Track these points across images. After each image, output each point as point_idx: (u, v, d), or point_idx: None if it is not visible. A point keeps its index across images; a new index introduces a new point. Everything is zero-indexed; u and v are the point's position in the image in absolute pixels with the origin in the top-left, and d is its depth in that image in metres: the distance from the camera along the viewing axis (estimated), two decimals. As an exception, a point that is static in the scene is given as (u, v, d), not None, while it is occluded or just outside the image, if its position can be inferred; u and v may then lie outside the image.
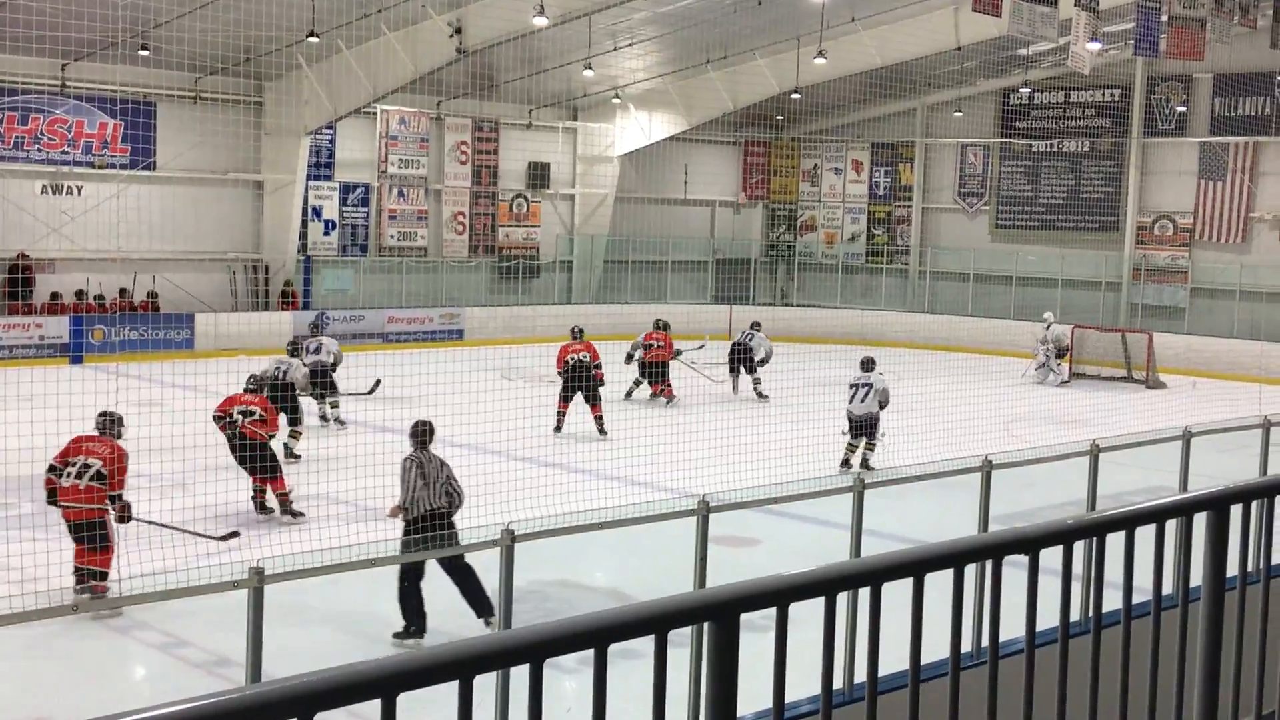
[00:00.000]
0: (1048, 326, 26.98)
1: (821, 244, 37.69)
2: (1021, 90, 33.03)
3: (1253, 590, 3.53)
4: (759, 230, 38.27)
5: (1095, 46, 23.53)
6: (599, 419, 18.24)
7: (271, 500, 13.49)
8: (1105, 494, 10.65)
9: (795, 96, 31.17)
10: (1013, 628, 2.88)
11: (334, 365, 18.56)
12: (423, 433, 10.42)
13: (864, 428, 16.43)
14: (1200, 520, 3.40)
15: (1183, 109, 31.27)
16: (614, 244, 34.29)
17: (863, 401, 16.51)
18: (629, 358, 21.45)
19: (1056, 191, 33.77)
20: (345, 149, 29.82)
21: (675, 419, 18.88)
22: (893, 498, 11.48)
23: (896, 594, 2.50)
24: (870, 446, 16.52)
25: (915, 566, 2.59)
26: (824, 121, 36.72)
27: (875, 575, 2.49)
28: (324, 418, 18.28)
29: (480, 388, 16.98)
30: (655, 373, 21.45)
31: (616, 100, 32.61)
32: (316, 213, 29.47)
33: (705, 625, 2.22)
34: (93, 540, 10.23)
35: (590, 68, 29.05)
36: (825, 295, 35.78)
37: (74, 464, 10.37)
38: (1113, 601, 3.30)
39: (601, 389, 18.51)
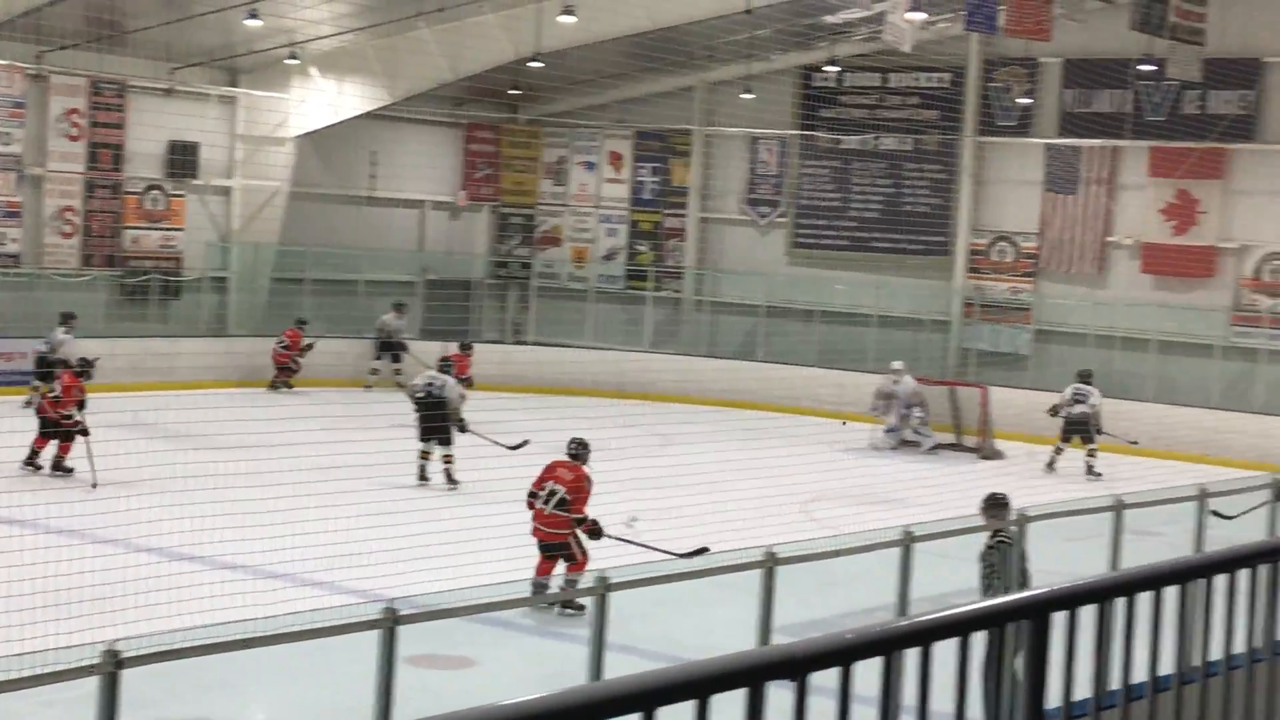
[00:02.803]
0: (896, 381, 27.86)
1: (568, 262, 38.03)
2: (827, 69, 34.12)
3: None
4: (484, 242, 38.37)
5: (918, 17, 24.66)
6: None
7: None
8: (924, 595, 11.10)
9: (536, 66, 31.38)
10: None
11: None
12: None
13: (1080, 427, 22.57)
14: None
15: (1027, 100, 32.91)
16: (286, 256, 33.83)
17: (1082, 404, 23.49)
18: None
19: (871, 201, 34.97)
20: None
21: (374, 498, 18.73)
22: (651, 603, 11.67)
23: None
24: (1092, 453, 23.75)
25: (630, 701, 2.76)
26: (574, 100, 37.15)
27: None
28: None
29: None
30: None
31: (293, 61, 32.28)
32: None
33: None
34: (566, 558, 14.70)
35: (256, 15, 28.71)
36: (571, 331, 36.09)
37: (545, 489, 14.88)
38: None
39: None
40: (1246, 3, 30.05)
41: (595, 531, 14.87)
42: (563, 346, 34.53)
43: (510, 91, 36.32)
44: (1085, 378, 26.62)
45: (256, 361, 30.48)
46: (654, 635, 13.31)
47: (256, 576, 14.90)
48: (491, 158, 38.16)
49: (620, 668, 3.14)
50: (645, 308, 36.82)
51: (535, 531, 14.91)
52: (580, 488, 14.89)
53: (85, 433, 20.27)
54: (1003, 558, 11.13)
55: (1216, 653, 4.33)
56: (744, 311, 35.53)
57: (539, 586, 14.44)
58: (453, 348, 28.04)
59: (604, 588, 8.53)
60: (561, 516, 14.75)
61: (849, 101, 35.07)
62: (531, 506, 14.91)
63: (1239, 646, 4.35)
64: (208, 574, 14.90)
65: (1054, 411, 26.16)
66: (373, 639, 7.63)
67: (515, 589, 9.30)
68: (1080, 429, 25.86)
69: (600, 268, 37.67)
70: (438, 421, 21.48)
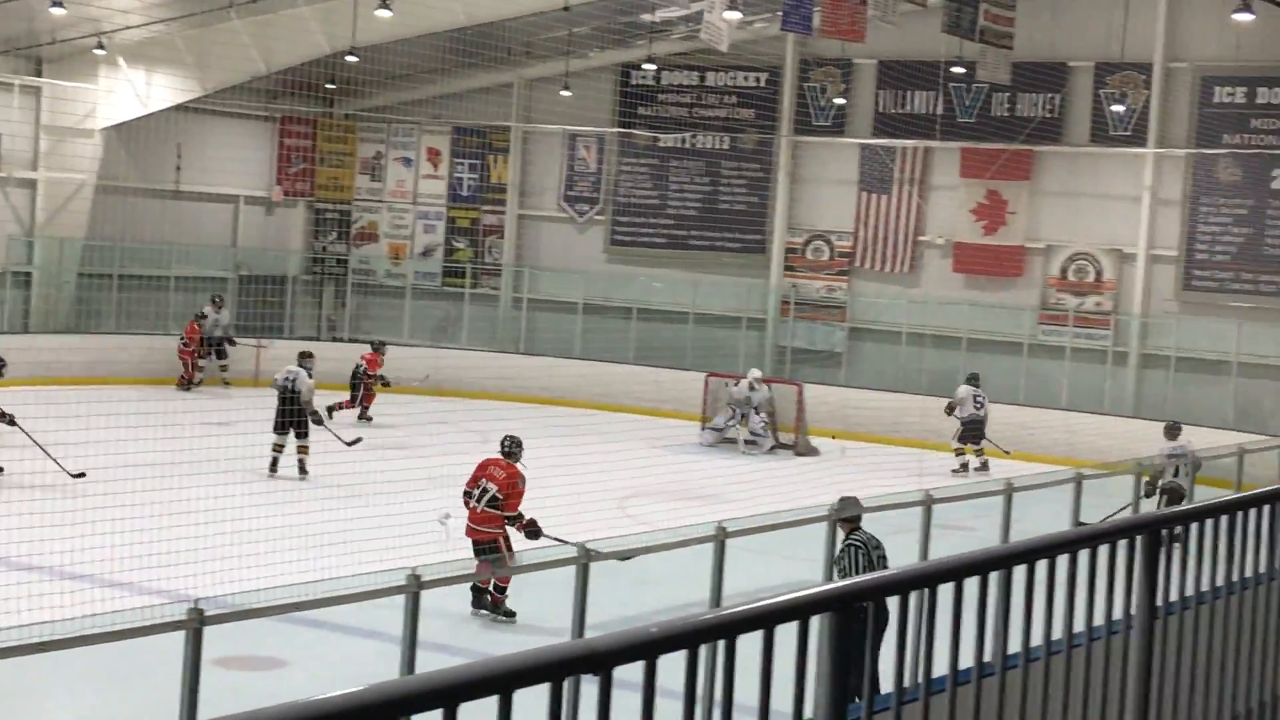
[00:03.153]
0: (754, 388, 27.99)
1: (385, 259, 37.76)
2: (645, 68, 34.28)
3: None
4: (300, 238, 37.93)
5: (734, 16, 24.86)
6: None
7: None
8: (738, 590, 11.18)
9: (352, 60, 31.11)
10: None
11: None
12: None
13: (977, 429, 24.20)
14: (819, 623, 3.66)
15: (842, 100, 33.39)
16: (94, 251, 33.07)
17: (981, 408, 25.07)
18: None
19: (689, 199, 35.23)
20: None
21: (180, 496, 18.38)
22: (468, 602, 11.62)
23: None
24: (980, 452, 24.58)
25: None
26: (391, 95, 36.89)
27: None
28: None
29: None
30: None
31: (100, 51, 31.58)
32: None
33: None
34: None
35: (61, 3, 28.04)
36: (389, 328, 35.81)
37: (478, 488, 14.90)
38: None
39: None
40: (1053, 7, 30.81)
41: (533, 531, 14.89)
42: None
43: (326, 86, 35.93)
44: (975, 381, 27.06)
45: (63, 358, 29.68)
46: (468, 634, 13.27)
47: (55, 578, 14.54)
48: (307, 152, 37.71)
49: (434, 667, 3.10)
50: (463, 305, 36.65)
51: (469, 531, 14.92)
52: (513, 486, 14.95)
53: None
54: (851, 560, 11.28)
55: (1015, 646, 4.40)
56: (562, 309, 35.55)
57: (477, 591, 14.56)
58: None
59: (417, 585, 8.45)
60: (493, 514, 14.81)
61: (667, 100, 35.30)
62: (467, 505, 14.98)
63: (1036, 640, 4.43)
64: (1, 575, 14.52)
65: (950, 410, 26.59)
66: (178, 640, 7.46)
67: (326, 587, 9.18)
68: (977, 432, 26.45)
69: (418, 265, 37.45)
70: (294, 415, 22.01)
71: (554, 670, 3.00)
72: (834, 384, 31.48)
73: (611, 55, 35.00)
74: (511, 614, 14.52)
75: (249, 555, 13.52)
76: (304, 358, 23.07)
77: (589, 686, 3.17)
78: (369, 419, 27.64)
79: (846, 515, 11.67)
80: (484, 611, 14.62)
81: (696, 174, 35.22)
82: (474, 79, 35.86)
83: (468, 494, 15.00)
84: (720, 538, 10.32)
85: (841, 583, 3.70)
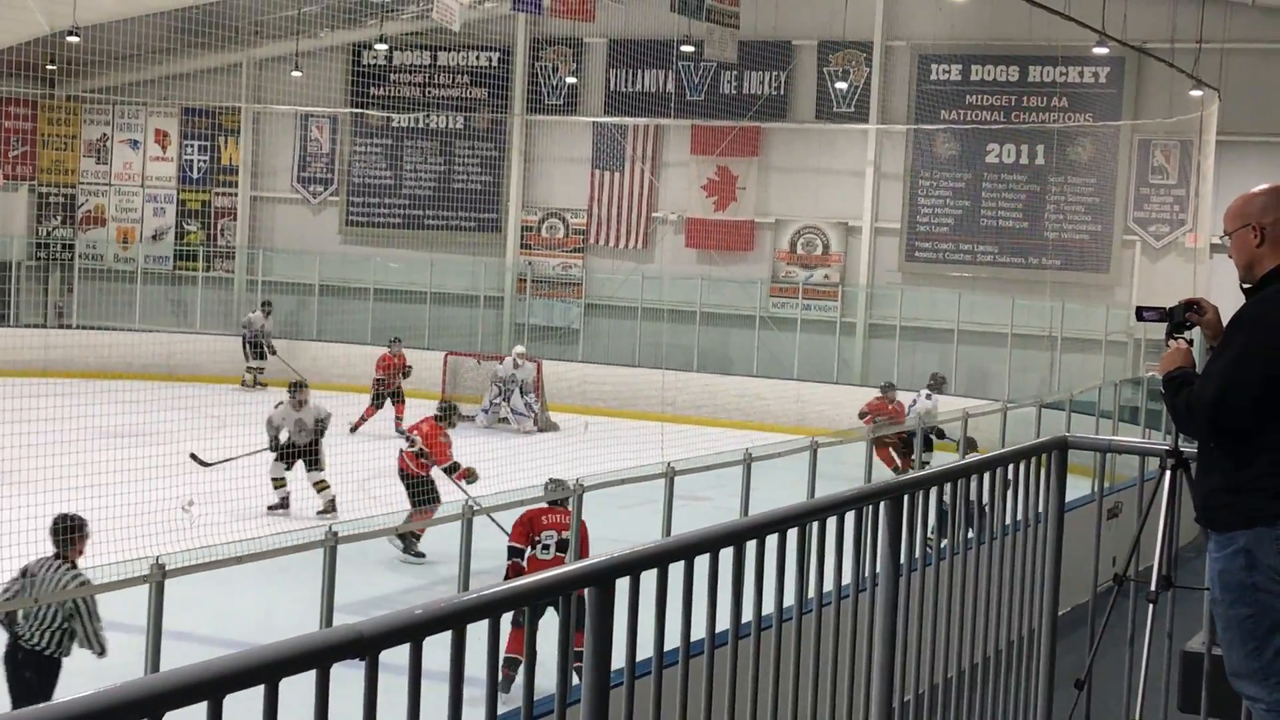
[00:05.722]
0: (518, 365, 27.74)
1: (114, 243, 36.75)
2: (377, 47, 33.93)
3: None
4: (23, 222, 36.64)
5: (467, -4, 24.73)
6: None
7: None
8: (485, 569, 11.21)
9: (73, 40, 30.15)
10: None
11: None
12: None
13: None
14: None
15: (573, 80, 33.52)
16: None
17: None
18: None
19: (424, 180, 35.03)
20: None
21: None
22: (214, 583, 11.37)
23: None
24: None
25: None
26: (115, 76, 35.82)
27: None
28: None
29: None
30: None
31: None
32: None
33: None
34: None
35: None
36: (120, 314, 34.87)
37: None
38: None
39: None
40: (778, -13, 31.36)
41: (470, 474, 17.40)
42: (108, 330, 33.26)
43: (48, 67, 34.73)
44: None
45: None
46: (209, 620, 12.98)
47: None
48: (28, 135, 36.46)
49: (179, 657, 3.03)
50: (196, 289, 35.84)
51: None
52: (435, 441, 17.52)
53: None
54: None
55: (769, 607, 4.48)
56: (297, 290, 35.03)
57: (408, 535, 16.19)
58: None
59: (160, 575, 8.23)
60: (425, 465, 17.45)
61: (400, 79, 35.03)
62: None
63: (790, 600, 4.52)
64: None
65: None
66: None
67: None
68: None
69: (148, 249, 36.52)
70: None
71: (321, 657, 2.96)
72: (572, 360, 31.64)
73: (343, 35, 34.57)
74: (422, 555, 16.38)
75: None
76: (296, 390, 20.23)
77: (354, 672, 3.12)
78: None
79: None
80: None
81: (431, 153, 35.04)
82: (202, 59, 35.06)
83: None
84: (467, 515, 10.27)
85: (599, 559, 3.72)
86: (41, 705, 2.51)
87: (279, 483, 19.29)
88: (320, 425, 19.56)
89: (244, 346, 31.25)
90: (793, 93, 31.94)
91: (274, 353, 30.66)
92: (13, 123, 36.20)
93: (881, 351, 31.11)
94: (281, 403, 19.95)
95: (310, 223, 35.99)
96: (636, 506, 13.82)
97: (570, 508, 11.83)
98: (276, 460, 19.33)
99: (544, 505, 12.43)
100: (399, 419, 25.13)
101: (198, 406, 24.51)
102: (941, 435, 19.60)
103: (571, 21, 27.77)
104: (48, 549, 10.52)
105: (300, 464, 19.35)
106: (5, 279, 34.77)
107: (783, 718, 4.62)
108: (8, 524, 13.56)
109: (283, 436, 19.45)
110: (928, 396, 23.88)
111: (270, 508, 19.01)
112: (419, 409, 26.52)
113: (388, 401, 26.52)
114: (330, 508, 18.78)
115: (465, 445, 24.73)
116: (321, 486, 19.27)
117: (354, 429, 25.07)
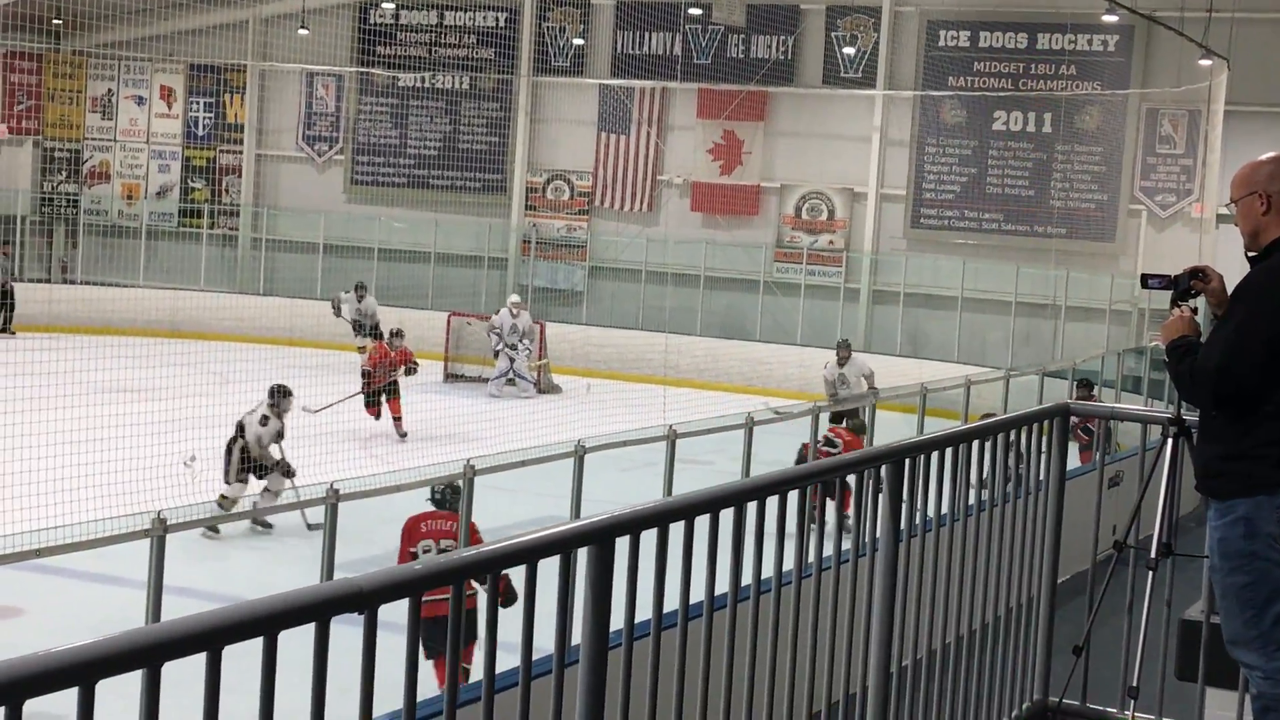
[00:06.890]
0: (516, 314, 27.45)
1: (119, 199, 36.70)
2: (384, 6, 33.90)
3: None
4: (29, 177, 36.59)
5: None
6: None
7: None
8: (489, 527, 11.21)
9: (79, -6, 30.06)
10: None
11: None
12: None
13: None
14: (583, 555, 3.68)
15: (580, 41, 33.41)
16: None
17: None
18: None
19: (430, 140, 34.96)
20: None
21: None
22: (208, 544, 11.41)
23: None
24: None
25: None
26: (121, 32, 35.69)
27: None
28: None
29: None
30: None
31: None
32: None
33: None
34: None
35: None
36: (124, 270, 34.87)
37: None
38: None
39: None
40: (787, -49, 31.23)
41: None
42: (113, 286, 33.27)
43: (53, 21, 34.60)
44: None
45: None
46: (211, 576, 13.02)
47: None
48: (34, 90, 36.38)
49: (179, 611, 3.03)
50: (200, 246, 35.81)
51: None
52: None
53: None
54: None
55: (768, 571, 4.49)
56: (302, 249, 34.99)
57: None
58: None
59: (162, 529, 8.25)
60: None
61: (406, 39, 34.91)
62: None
63: (789, 564, 4.53)
64: None
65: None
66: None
67: (66, 534, 8.90)
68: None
69: (152, 205, 36.48)
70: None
71: (320, 610, 2.96)
72: (575, 322, 31.62)
73: (350, -7, 34.46)
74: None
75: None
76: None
77: (353, 628, 3.12)
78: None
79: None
80: None
81: (436, 114, 34.94)
82: (209, 16, 34.96)
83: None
84: (468, 475, 10.28)
85: (599, 516, 3.71)
86: (43, 652, 2.51)
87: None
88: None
89: (352, 328, 28.92)
90: (800, 57, 31.82)
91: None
92: (18, 77, 36.12)
93: (885, 317, 31.09)
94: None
95: (315, 181, 35.93)
96: (638, 469, 13.82)
97: (459, 511, 10.75)
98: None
99: (428, 510, 11.30)
100: (398, 419, 22.83)
101: (201, 363, 24.54)
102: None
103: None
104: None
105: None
106: (10, 233, 34.75)
107: (781, 681, 4.63)
108: (12, 477, 13.61)
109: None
110: (839, 365, 23.28)
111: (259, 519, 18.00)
112: (423, 375, 26.59)
113: (383, 400, 22.98)
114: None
115: (468, 407, 24.82)
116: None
117: (314, 411, 20.25)
